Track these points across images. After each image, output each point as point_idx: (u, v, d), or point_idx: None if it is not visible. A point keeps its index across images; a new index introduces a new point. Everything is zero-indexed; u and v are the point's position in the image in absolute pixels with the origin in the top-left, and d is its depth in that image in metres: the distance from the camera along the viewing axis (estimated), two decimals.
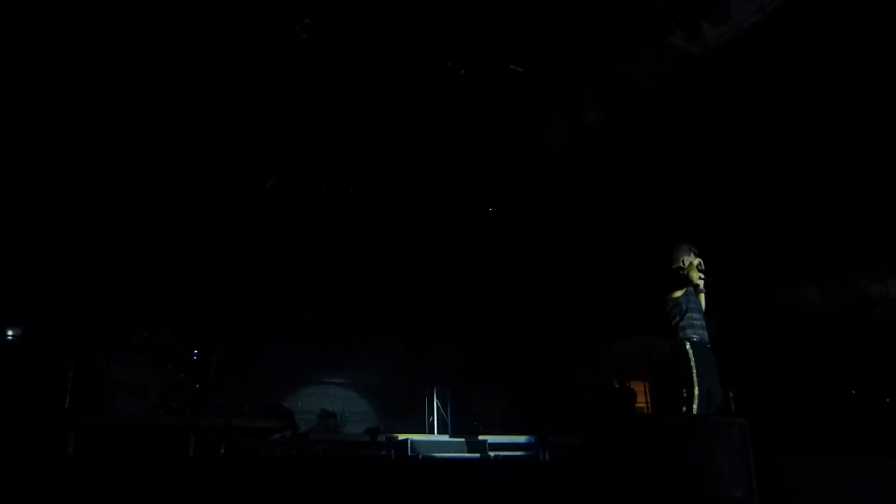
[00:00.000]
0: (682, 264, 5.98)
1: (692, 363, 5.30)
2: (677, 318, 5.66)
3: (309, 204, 10.06)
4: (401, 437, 8.75)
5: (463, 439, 9.17)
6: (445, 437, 9.68)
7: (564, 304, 12.25)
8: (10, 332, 7.86)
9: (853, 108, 8.41)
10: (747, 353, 10.66)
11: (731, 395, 10.98)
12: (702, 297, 5.89)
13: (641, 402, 13.60)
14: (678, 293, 5.79)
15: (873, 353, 9.04)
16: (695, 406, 5.48)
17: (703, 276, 5.89)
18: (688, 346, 5.45)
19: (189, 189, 9.09)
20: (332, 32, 8.41)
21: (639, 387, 13.50)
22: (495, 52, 9.47)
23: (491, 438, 9.30)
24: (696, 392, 5.38)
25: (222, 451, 3.47)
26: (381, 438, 8.65)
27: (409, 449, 8.32)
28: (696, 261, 5.96)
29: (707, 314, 5.86)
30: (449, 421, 10.61)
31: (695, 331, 5.56)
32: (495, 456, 9.07)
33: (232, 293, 3.79)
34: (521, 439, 9.89)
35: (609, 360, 13.54)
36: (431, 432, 10.44)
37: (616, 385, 12.57)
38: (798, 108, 8.63)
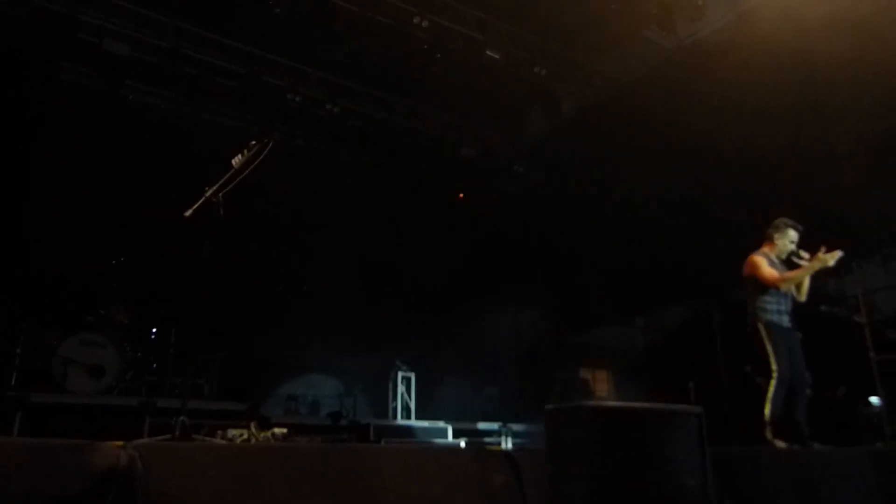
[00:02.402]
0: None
1: (768, 343, 5.64)
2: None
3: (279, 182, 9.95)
4: (363, 421, 8.72)
5: (426, 424, 9.15)
6: (408, 422, 9.64)
7: (532, 294, 12.24)
8: None
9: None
10: (712, 346, 10.78)
11: (691, 385, 11.14)
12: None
13: (604, 391, 13.72)
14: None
15: (828, 348, 9.15)
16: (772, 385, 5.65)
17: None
18: (760, 327, 5.73)
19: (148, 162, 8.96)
20: None
21: (602, 376, 13.63)
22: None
23: (454, 424, 9.28)
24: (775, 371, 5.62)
25: (176, 432, 3.36)
26: (344, 423, 8.59)
27: (370, 433, 8.26)
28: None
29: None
30: (412, 406, 10.58)
31: (769, 313, 5.75)
32: (463, 441, 9.09)
33: (194, 271, 3.69)
34: (485, 426, 9.91)
35: (575, 349, 13.63)
36: (395, 417, 10.39)
37: (582, 375, 12.68)
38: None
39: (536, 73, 10.07)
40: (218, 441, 3.46)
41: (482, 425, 9.93)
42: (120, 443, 2.39)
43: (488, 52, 9.56)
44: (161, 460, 2.37)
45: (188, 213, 3.87)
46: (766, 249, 6.14)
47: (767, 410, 5.60)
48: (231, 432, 3.86)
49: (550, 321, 12.91)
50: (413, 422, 9.77)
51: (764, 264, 5.94)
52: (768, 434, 5.56)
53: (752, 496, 3.93)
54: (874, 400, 8.43)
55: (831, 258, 5.69)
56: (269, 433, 3.99)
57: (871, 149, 8.35)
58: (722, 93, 9.00)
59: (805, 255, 5.96)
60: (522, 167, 12.13)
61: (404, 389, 10.74)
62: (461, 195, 12.48)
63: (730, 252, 9.93)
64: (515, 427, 9.52)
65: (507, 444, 9.10)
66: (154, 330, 8.59)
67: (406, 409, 10.70)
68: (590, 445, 2.27)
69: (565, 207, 11.91)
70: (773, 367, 5.69)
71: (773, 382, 5.67)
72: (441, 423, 9.17)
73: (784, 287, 5.86)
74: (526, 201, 12.30)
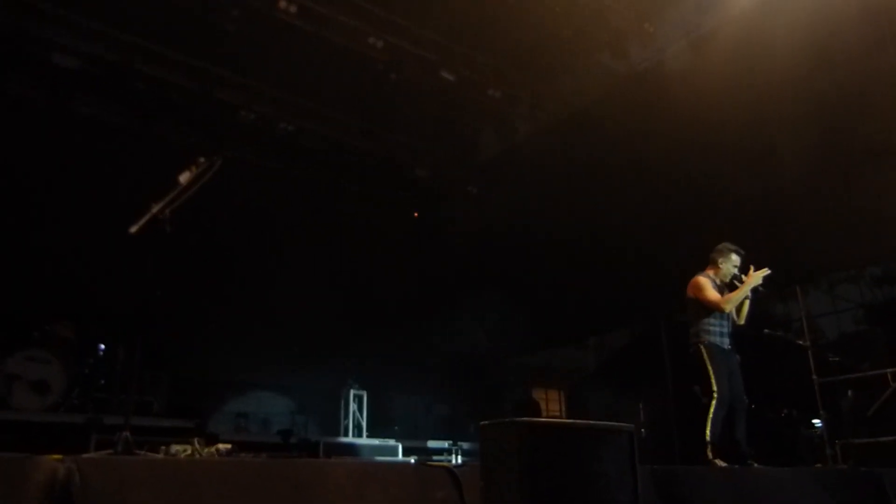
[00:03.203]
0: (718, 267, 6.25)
1: (709, 365, 5.82)
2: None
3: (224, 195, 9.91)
4: (314, 439, 8.68)
5: (376, 442, 9.15)
6: (358, 441, 9.62)
7: (485, 314, 12.34)
8: None
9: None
10: (661, 366, 10.98)
11: (640, 406, 11.33)
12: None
13: (556, 410, 13.86)
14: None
15: (773, 370, 9.40)
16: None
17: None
18: (702, 349, 5.89)
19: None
20: None
21: (554, 395, 13.79)
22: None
23: (405, 442, 9.30)
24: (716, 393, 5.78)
25: (119, 448, 3.35)
26: (294, 440, 8.54)
27: (320, 451, 8.23)
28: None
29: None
30: (364, 424, 10.56)
31: (711, 335, 5.94)
32: (413, 459, 9.08)
33: (144, 286, 3.68)
34: (435, 444, 9.94)
35: (527, 369, 13.76)
36: (346, 435, 10.36)
37: (533, 395, 12.80)
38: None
39: (490, 96, 10.25)
40: (159, 456, 3.45)
41: (432, 443, 9.96)
42: (58, 456, 2.39)
43: (442, 74, 9.71)
44: (99, 474, 2.37)
45: (134, 228, 3.87)
46: (710, 273, 6.30)
47: (708, 431, 5.74)
48: (174, 448, 3.85)
49: (503, 341, 13.01)
50: (364, 440, 9.76)
51: (708, 286, 6.10)
52: (709, 454, 5.69)
53: None
54: (817, 423, 8.65)
55: (760, 275, 5.96)
56: (212, 449, 3.99)
57: (817, 175, 8.62)
58: (672, 118, 9.25)
59: (746, 279, 6.12)
60: (476, 188, 12.28)
61: (356, 408, 10.73)
62: (415, 214, 12.56)
63: (678, 275, 10.21)
64: (465, 445, 9.57)
65: (457, 461, 9.15)
66: (102, 346, 8.45)
67: (358, 427, 10.68)
68: (521, 461, 2.35)
69: (518, 229, 12.06)
70: (714, 388, 5.85)
71: (713, 403, 5.82)
72: (391, 442, 9.19)
73: (727, 308, 6.03)
74: (479, 222, 12.43)
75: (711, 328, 6.02)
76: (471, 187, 12.27)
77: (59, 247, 8.84)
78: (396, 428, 11.51)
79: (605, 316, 12.18)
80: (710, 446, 5.72)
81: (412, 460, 8.97)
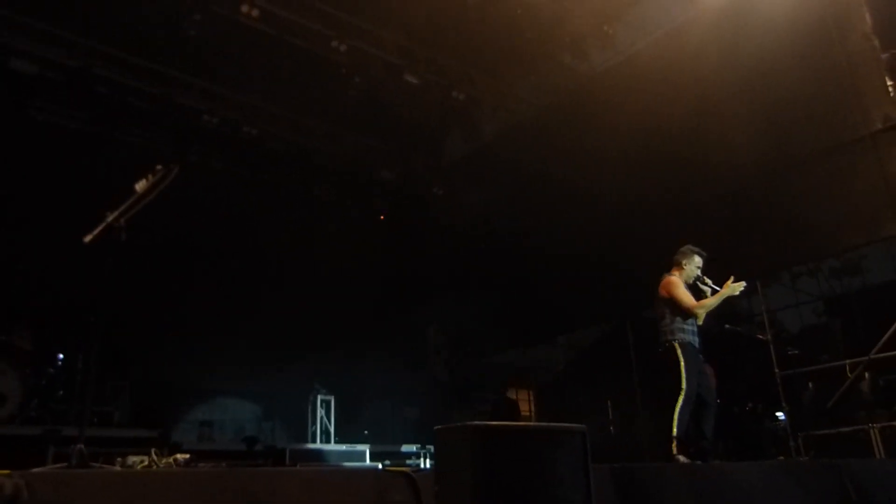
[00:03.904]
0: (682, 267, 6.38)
1: (682, 363, 5.90)
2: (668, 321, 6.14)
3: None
4: (280, 446, 8.62)
5: (343, 448, 9.11)
6: (326, 446, 9.58)
7: (452, 314, 12.36)
8: None
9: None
10: (628, 363, 11.09)
11: (608, 404, 11.44)
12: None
13: (526, 410, 13.91)
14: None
15: (736, 365, 9.54)
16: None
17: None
18: (676, 346, 5.97)
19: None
20: None
21: (524, 395, 13.83)
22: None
23: (373, 447, 9.27)
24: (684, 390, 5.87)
25: (73, 461, 3.30)
26: (259, 447, 8.47)
27: (287, 458, 8.18)
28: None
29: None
30: (332, 429, 10.51)
31: (686, 334, 6.07)
32: (380, 464, 9.06)
33: (104, 294, 3.62)
34: (405, 448, 9.93)
35: (497, 369, 13.79)
36: (314, 441, 10.30)
37: (497, 397, 12.81)
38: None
39: (454, 98, 10.28)
40: (113, 468, 3.41)
41: (402, 447, 9.95)
42: (6, 472, 2.35)
43: (407, 77, 9.72)
44: (49, 489, 2.34)
45: (88, 238, 3.82)
46: (675, 273, 6.41)
47: (675, 426, 5.81)
48: (131, 459, 3.80)
49: (472, 341, 13.04)
50: (331, 446, 9.71)
51: (682, 288, 6.23)
52: (674, 449, 5.76)
53: None
54: (780, 415, 8.79)
55: (738, 288, 6.09)
56: (170, 459, 3.95)
57: (776, 172, 8.76)
58: (633, 118, 9.36)
59: (708, 281, 6.30)
60: (442, 189, 12.29)
61: (324, 413, 10.67)
62: (382, 216, 12.54)
63: (643, 273, 10.32)
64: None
65: (427, 465, 9.15)
66: (60, 356, 8.30)
67: (326, 432, 10.62)
68: (474, 464, 2.36)
69: (485, 229, 12.10)
70: (683, 385, 5.93)
71: (680, 399, 5.89)
72: (359, 447, 9.15)
73: (699, 314, 6.16)
74: (446, 223, 12.44)
75: (686, 327, 6.14)
76: (437, 188, 12.29)
77: (16, 255, 8.68)
78: (366, 432, 11.47)
79: (573, 315, 12.26)
80: (675, 442, 5.78)
81: (379, 466, 8.97)
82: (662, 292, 6.30)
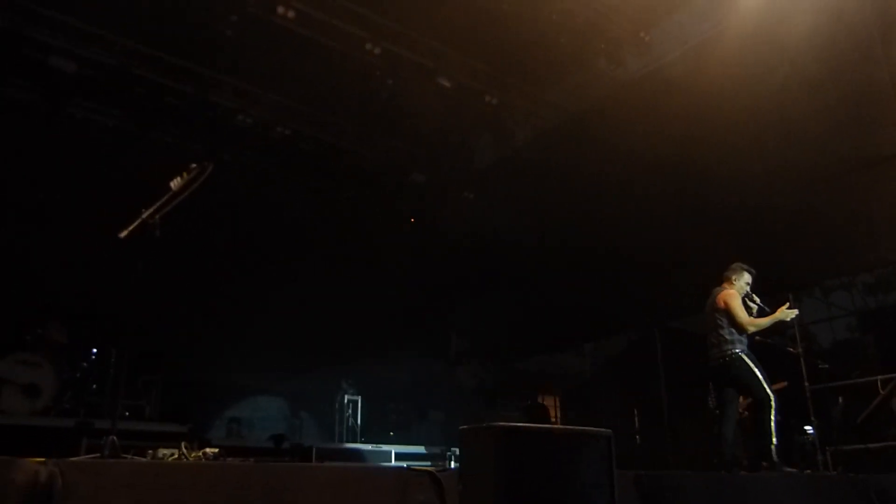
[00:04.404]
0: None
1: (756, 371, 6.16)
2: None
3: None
4: (307, 444, 8.69)
5: (369, 448, 9.16)
6: (352, 446, 9.64)
7: (479, 320, 12.37)
8: None
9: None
10: (655, 372, 11.01)
11: (635, 412, 11.36)
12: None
13: (552, 416, 13.86)
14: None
15: (769, 376, 9.42)
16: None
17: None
18: (744, 357, 6.21)
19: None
20: None
21: (550, 402, 13.77)
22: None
23: (397, 448, 9.31)
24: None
25: (106, 452, 3.38)
26: (286, 445, 8.54)
27: (313, 456, 8.24)
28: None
29: None
30: (358, 429, 10.57)
31: (746, 345, 6.32)
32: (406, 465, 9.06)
33: (138, 290, 3.70)
34: (430, 450, 9.94)
35: (525, 375, 13.76)
36: (340, 440, 10.37)
37: (529, 402, 12.79)
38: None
39: (487, 102, 10.29)
40: (144, 460, 3.48)
41: (427, 449, 9.96)
42: (41, 459, 2.41)
43: (439, 80, 9.75)
44: (82, 477, 2.40)
45: (123, 233, 3.91)
46: (727, 287, 6.61)
47: (774, 436, 6.03)
48: (161, 452, 3.87)
49: (498, 347, 13.03)
50: (357, 445, 9.77)
51: (739, 302, 6.43)
52: (775, 457, 5.96)
53: None
54: (808, 429, 8.70)
55: (791, 314, 6.43)
56: (199, 453, 4.01)
57: (812, 183, 8.66)
58: (668, 127, 9.30)
59: (756, 298, 6.59)
60: (472, 194, 12.30)
61: (350, 413, 10.73)
62: (412, 220, 12.57)
63: (673, 282, 10.26)
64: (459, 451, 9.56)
65: (451, 467, 9.15)
66: (94, 350, 8.46)
67: (352, 432, 10.68)
68: (498, 465, 2.38)
69: (515, 235, 12.08)
70: (769, 392, 6.18)
71: (772, 408, 6.13)
72: (385, 447, 9.20)
73: (749, 331, 6.39)
74: (476, 228, 12.45)
75: (743, 339, 6.38)
76: (467, 193, 12.29)
77: (53, 250, 8.87)
78: (392, 434, 11.52)
79: (600, 323, 12.22)
80: (775, 450, 5.98)
81: (405, 465, 8.99)
82: (720, 304, 6.47)
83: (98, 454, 3.51)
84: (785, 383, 7.98)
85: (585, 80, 10.54)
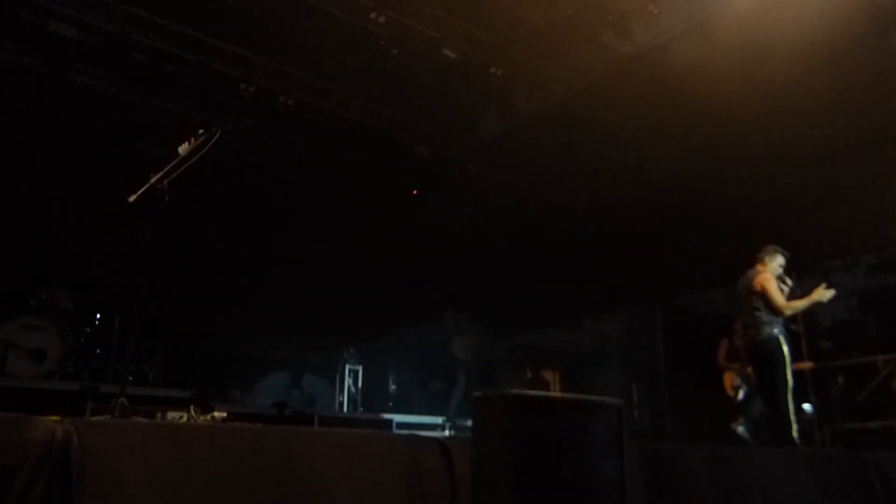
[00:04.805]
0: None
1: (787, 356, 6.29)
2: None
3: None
4: (308, 412, 8.75)
5: (370, 416, 9.22)
6: (353, 415, 9.71)
7: (481, 293, 12.38)
8: None
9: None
10: (654, 349, 11.08)
11: (633, 388, 11.43)
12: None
13: (552, 391, 13.93)
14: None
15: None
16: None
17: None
18: (782, 341, 6.32)
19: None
20: None
21: (549, 376, 13.84)
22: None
23: (398, 417, 9.38)
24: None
25: (116, 413, 3.41)
26: (288, 412, 8.59)
27: (315, 425, 8.29)
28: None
29: None
30: (359, 399, 10.64)
31: (783, 327, 6.44)
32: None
33: (141, 257, 3.70)
34: (430, 420, 10.02)
35: (525, 349, 13.81)
36: (341, 409, 10.44)
37: (529, 375, 12.85)
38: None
39: (492, 74, 10.20)
40: (157, 421, 3.51)
41: (427, 419, 10.04)
42: (57, 418, 2.43)
43: (445, 51, 9.65)
44: (97, 437, 2.41)
45: (132, 198, 3.90)
46: (760, 269, 6.71)
47: (793, 420, 6.20)
48: (171, 415, 3.90)
49: (498, 319, 13.06)
50: (358, 414, 9.84)
51: (775, 285, 6.53)
52: (796, 439, 6.17)
53: (677, 491, 4.11)
54: (807, 407, 8.78)
55: (828, 295, 6.50)
56: (208, 417, 4.04)
57: (818, 160, 8.63)
58: (674, 101, 9.23)
59: (789, 281, 6.67)
60: (476, 167, 12.25)
61: (351, 382, 10.80)
62: (414, 192, 12.54)
63: (675, 260, 10.28)
64: (459, 422, 9.65)
65: (449, 434, 9.23)
66: (98, 316, 8.50)
67: (353, 401, 10.76)
68: (511, 431, 2.40)
69: (517, 209, 12.06)
70: (789, 379, 6.31)
71: (788, 393, 6.27)
72: (385, 416, 9.26)
73: (786, 314, 6.49)
74: (478, 201, 12.42)
75: (781, 321, 6.49)
76: (471, 166, 12.24)
77: (57, 215, 8.86)
78: (390, 404, 11.60)
79: (601, 299, 12.25)
80: (795, 429, 6.16)
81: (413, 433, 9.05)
82: (756, 286, 6.57)
83: (107, 416, 3.53)
84: (811, 364, 8.08)
85: (592, 53, 10.42)
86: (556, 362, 13.88)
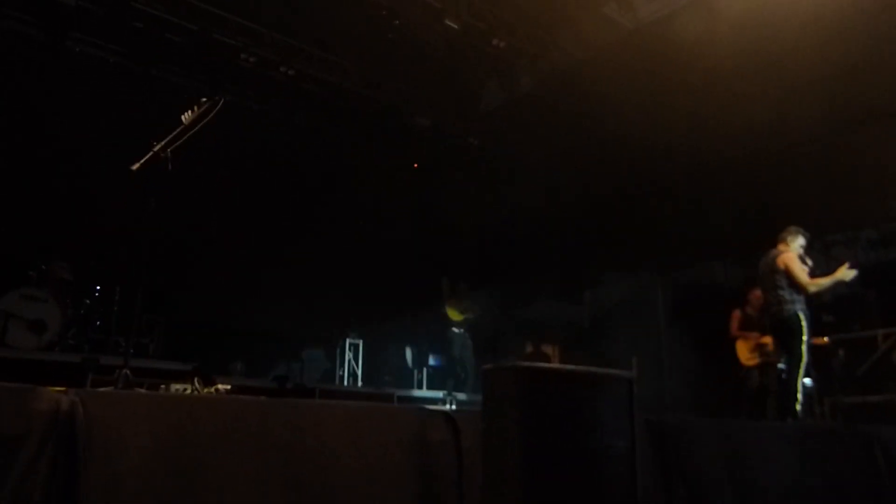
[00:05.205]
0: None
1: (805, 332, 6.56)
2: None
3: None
4: (309, 386, 8.76)
5: (371, 390, 9.25)
6: (354, 388, 9.73)
7: (480, 265, 12.35)
8: None
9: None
10: (655, 321, 11.10)
11: (633, 360, 11.45)
12: None
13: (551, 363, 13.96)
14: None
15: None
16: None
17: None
18: (802, 318, 6.58)
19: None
20: None
21: (549, 350, 13.86)
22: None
23: (399, 391, 9.41)
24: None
25: (119, 385, 3.39)
26: (290, 386, 8.61)
27: (316, 398, 8.30)
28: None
29: None
30: (359, 372, 10.65)
31: (805, 306, 6.69)
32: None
33: (140, 228, 3.66)
34: (430, 394, 10.05)
35: (523, 323, 13.81)
36: (342, 383, 10.46)
37: (530, 349, 12.86)
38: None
39: (494, 46, 10.07)
40: (162, 392, 3.49)
41: (427, 393, 10.07)
42: (62, 388, 2.40)
43: (447, 22, 9.51)
44: (102, 407, 2.39)
45: (135, 166, 3.84)
46: (783, 248, 6.94)
47: (799, 393, 6.51)
48: (174, 387, 3.89)
49: (497, 293, 13.05)
50: (359, 388, 9.86)
51: (799, 264, 6.78)
52: (800, 414, 6.49)
53: (682, 462, 4.12)
54: (807, 381, 8.82)
55: (850, 274, 6.72)
56: (212, 389, 4.03)
57: (816, 139, 8.59)
58: (676, 74, 9.15)
59: (809, 261, 6.91)
60: (477, 140, 12.16)
61: (352, 356, 10.80)
62: (415, 164, 12.45)
63: (675, 233, 10.25)
64: (460, 396, 9.69)
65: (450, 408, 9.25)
66: (98, 288, 8.45)
67: (353, 375, 10.77)
68: (521, 403, 2.37)
69: (518, 181, 12.00)
70: (804, 355, 6.60)
71: (801, 368, 6.56)
72: (386, 390, 9.28)
73: (810, 291, 6.72)
74: (478, 173, 12.36)
75: (802, 298, 6.73)
76: (472, 139, 12.15)
77: (57, 185, 8.78)
78: (387, 378, 11.61)
79: (601, 271, 12.24)
80: (800, 401, 6.49)
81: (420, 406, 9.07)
82: (780, 265, 6.80)
83: (110, 387, 3.51)
84: (826, 339, 8.17)
85: (595, 25, 10.29)
86: (557, 336, 13.89)
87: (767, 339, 8.19)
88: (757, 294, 8.35)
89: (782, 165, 9.08)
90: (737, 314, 8.70)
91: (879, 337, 8.51)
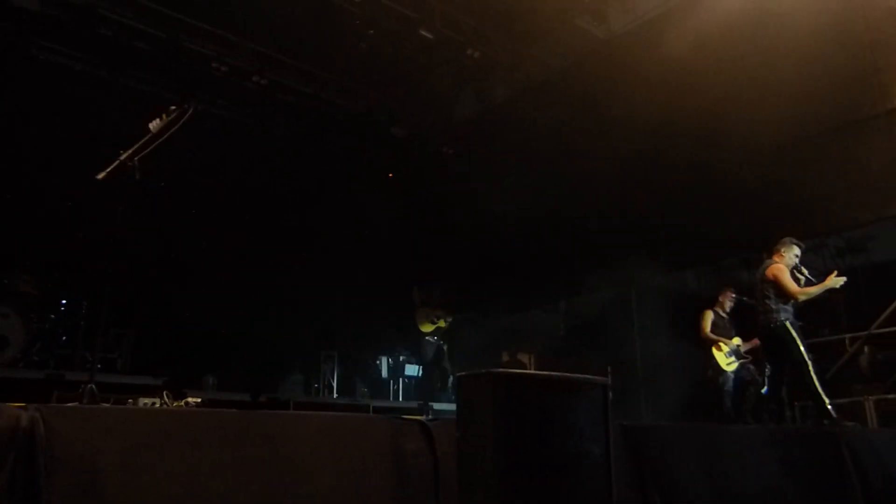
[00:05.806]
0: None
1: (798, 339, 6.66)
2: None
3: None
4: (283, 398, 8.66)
5: (346, 402, 9.16)
6: (329, 400, 9.63)
7: (456, 276, 12.31)
8: None
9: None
10: (630, 330, 11.13)
11: (609, 369, 11.48)
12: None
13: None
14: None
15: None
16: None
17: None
18: (789, 327, 6.70)
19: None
20: None
21: (526, 359, 13.85)
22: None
23: (374, 402, 9.33)
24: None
25: (84, 400, 3.30)
26: (263, 399, 8.50)
27: (290, 410, 8.21)
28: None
29: None
30: (335, 384, 10.55)
31: (792, 315, 6.79)
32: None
33: (107, 239, 3.58)
34: (405, 404, 9.98)
35: (498, 332, 13.79)
36: (317, 395, 10.35)
37: (506, 357, 12.83)
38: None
39: (469, 56, 10.09)
40: (129, 406, 3.40)
41: (402, 404, 9.99)
42: (21, 404, 2.32)
43: (421, 32, 9.51)
44: (65, 422, 2.31)
45: (101, 175, 3.75)
46: (777, 259, 7.02)
47: (823, 395, 6.52)
48: (142, 401, 3.79)
49: (473, 303, 13.01)
50: (334, 399, 9.76)
51: (788, 275, 6.88)
52: (833, 414, 6.46)
53: (658, 467, 4.11)
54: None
55: (839, 282, 6.77)
56: (181, 403, 3.94)
57: (788, 144, 8.69)
58: (650, 85, 9.24)
59: (805, 270, 6.98)
60: (452, 149, 12.15)
61: (327, 368, 10.69)
62: (390, 174, 12.41)
63: (650, 241, 10.30)
64: (436, 406, 9.62)
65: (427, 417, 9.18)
66: (64, 301, 8.27)
67: (329, 387, 10.66)
68: (496, 410, 2.35)
69: (492, 191, 11.98)
70: (807, 358, 6.66)
71: (811, 371, 6.61)
72: (362, 401, 9.20)
73: (800, 300, 6.84)
74: (453, 183, 12.33)
75: (790, 308, 6.84)
76: (447, 148, 12.13)
77: (20, 195, 8.57)
78: (365, 389, 11.50)
79: (575, 280, 12.26)
80: (830, 407, 6.47)
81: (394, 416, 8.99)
82: (769, 276, 6.93)
83: (74, 403, 3.41)
84: (757, 341, 8.21)
85: (568, 36, 10.39)
86: (532, 345, 13.88)
87: (737, 340, 8.48)
88: (728, 295, 8.68)
89: (752, 174, 9.15)
90: (709, 315, 8.78)
91: (847, 341, 8.68)
